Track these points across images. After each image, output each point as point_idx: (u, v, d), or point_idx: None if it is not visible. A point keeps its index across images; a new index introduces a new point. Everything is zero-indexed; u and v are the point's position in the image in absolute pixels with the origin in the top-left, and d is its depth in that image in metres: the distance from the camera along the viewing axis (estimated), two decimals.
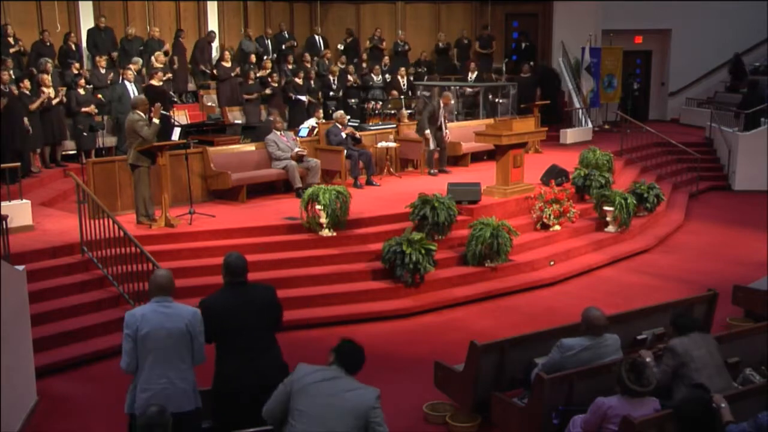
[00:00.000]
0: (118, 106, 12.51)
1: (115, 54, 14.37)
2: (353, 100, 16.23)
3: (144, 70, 13.88)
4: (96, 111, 12.63)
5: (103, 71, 13.41)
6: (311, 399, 3.96)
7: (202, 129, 13.07)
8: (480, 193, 10.53)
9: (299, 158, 11.17)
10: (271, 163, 11.23)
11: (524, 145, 11.46)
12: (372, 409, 3.94)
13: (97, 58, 13.56)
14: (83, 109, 12.40)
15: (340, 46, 18.22)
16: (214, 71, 15.49)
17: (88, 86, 12.82)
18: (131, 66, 13.00)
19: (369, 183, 11.87)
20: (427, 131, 12.52)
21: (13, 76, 11.51)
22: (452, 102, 13.14)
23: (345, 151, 11.74)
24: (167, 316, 4.49)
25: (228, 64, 15.17)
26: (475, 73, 17.30)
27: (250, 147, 11.61)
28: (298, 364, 4.14)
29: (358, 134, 12.17)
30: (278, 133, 11.31)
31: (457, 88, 16.50)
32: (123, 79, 12.67)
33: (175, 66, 14.97)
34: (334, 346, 4.16)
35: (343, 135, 11.86)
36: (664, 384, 5.17)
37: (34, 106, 11.48)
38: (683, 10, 19.07)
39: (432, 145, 12.67)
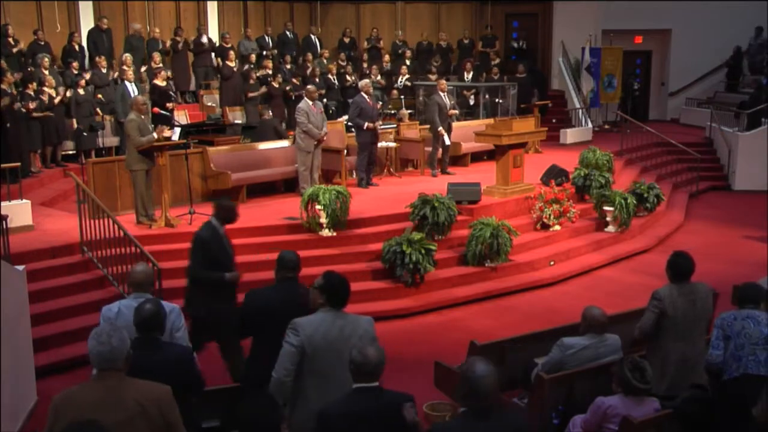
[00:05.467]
0: (120, 107, 12.50)
1: (122, 53, 14.34)
2: (352, 100, 16.22)
3: (143, 70, 13.88)
4: (99, 111, 12.62)
5: (104, 71, 13.41)
6: (329, 354, 3.99)
7: (202, 129, 13.07)
8: (480, 193, 10.53)
9: (320, 141, 10.88)
10: (295, 135, 10.84)
11: (524, 145, 11.47)
12: (375, 340, 4.04)
13: (97, 59, 13.56)
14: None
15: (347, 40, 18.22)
16: (219, 70, 15.50)
17: (88, 87, 12.80)
18: (126, 64, 12.98)
19: (369, 183, 11.85)
20: (440, 128, 12.39)
21: (17, 78, 11.52)
22: (446, 84, 13.07)
23: (345, 151, 11.74)
24: None
25: (232, 64, 15.18)
26: (471, 72, 17.29)
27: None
28: (294, 321, 4.08)
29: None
30: (310, 102, 10.85)
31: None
32: (123, 79, 12.66)
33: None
34: (320, 283, 4.16)
35: (372, 106, 11.58)
36: (646, 330, 5.20)
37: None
38: (683, 10, 19.06)
39: (448, 141, 12.59)
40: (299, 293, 4.74)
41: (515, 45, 19.43)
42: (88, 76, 13.09)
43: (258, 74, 15.01)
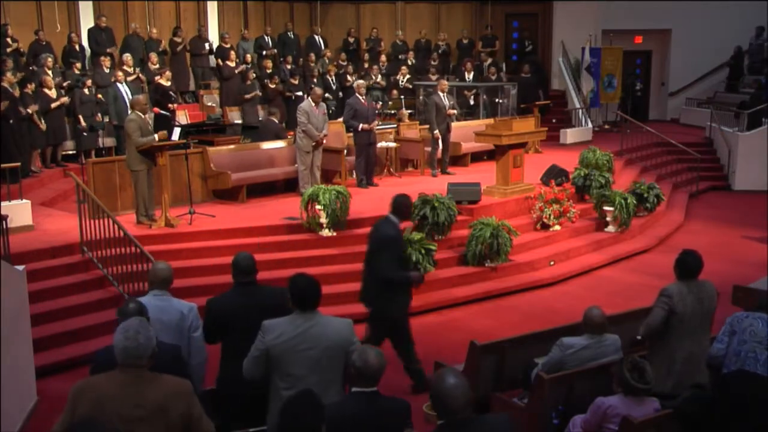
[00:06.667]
0: (113, 108, 12.47)
1: (114, 51, 14.32)
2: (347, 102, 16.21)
3: (138, 70, 13.86)
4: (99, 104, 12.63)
5: (107, 71, 13.39)
6: (295, 358, 3.97)
7: (202, 129, 13.07)
8: (480, 193, 10.53)
9: (318, 143, 10.82)
10: (295, 135, 10.81)
11: (524, 145, 11.46)
12: (351, 343, 4.05)
13: (102, 58, 13.54)
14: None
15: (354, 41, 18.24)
16: (219, 70, 15.50)
17: (92, 87, 12.80)
18: (126, 65, 12.96)
19: (369, 183, 11.84)
20: (437, 131, 12.29)
21: (16, 79, 11.50)
22: (447, 85, 12.96)
23: (345, 151, 11.73)
24: (162, 310, 4.45)
25: (232, 64, 15.18)
26: (472, 72, 17.28)
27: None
28: (263, 323, 4.06)
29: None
30: (312, 104, 10.80)
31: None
32: (115, 80, 12.62)
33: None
34: (287, 286, 4.14)
35: (367, 107, 11.46)
36: (655, 327, 5.15)
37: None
38: (683, 10, 19.06)
39: (441, 144, 12.54)
40: (261, 296, 4.69)
41: (525, 45, 19.41)
42: (90, 79, 13.09)
43: (256, 74, 15.01)
